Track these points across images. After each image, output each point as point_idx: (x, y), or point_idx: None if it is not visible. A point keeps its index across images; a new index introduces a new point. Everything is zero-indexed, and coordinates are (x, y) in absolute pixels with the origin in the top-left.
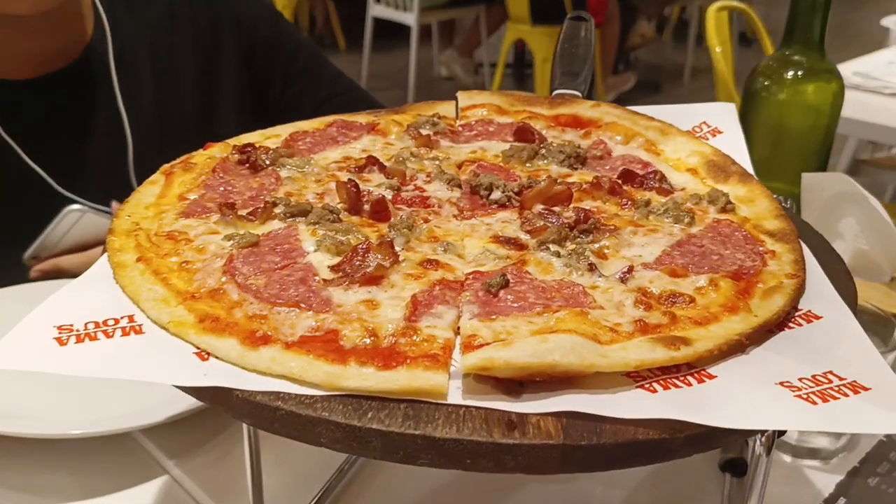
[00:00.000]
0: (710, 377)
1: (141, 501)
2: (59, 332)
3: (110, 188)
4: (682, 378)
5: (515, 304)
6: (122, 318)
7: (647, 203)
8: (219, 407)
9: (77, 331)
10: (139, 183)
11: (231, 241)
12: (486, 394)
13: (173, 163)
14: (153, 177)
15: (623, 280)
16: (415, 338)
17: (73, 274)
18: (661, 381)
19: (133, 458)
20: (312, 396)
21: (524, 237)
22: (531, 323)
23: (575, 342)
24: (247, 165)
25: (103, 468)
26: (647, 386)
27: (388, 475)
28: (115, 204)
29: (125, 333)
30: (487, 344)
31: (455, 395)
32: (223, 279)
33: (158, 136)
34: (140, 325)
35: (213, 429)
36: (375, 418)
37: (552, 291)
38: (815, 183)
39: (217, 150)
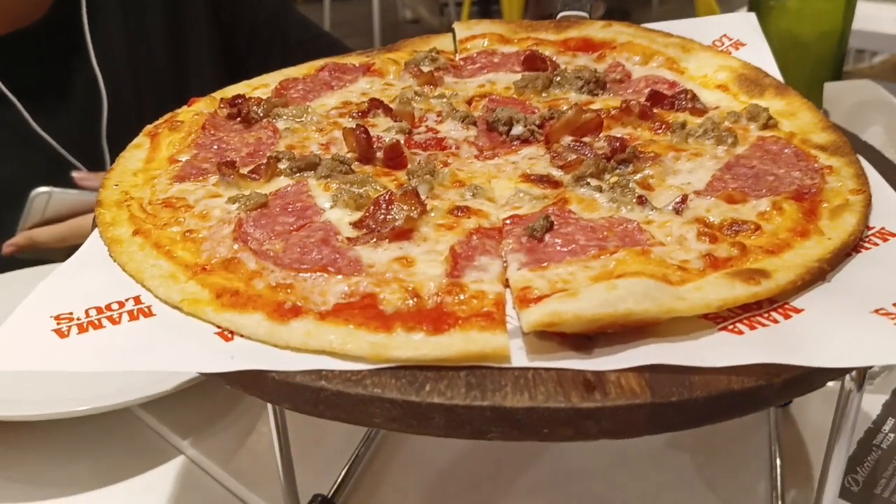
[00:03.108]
0: (797, 311)
1: (157, 487)
2: (58, 323)
3: (84, 150)
4: (766, 315)
5: (566, 249)
6: (127, 300)
7: (683, 125)
8: (254, 393)
9: (78, 319)
10: (110, 145)
11: (236, 204)
12: (553, 352)
13: (157, 122)
14: (137, 140)
15: (678, 211)
16: (462, 295)
17: (49, 246)
18: (745, 321)
19: (143, 440)
20: (359, 371)
21: (557, 173)
22: (588, 268)
23: (647, 286)
24: (238, 119)
25: (112, 454)
26: (730, 328)
27: (415, 438)
28: (75, 174)
29: (133, 317)
30: (545, 296)
31: (519, 357)
32: (235, 247)
33: (134, 95)
34: (149, 307)
35: (227, 400)
36: (435, 391)
37: (603, 230)
38: (839, 92)
39: (203, 106)
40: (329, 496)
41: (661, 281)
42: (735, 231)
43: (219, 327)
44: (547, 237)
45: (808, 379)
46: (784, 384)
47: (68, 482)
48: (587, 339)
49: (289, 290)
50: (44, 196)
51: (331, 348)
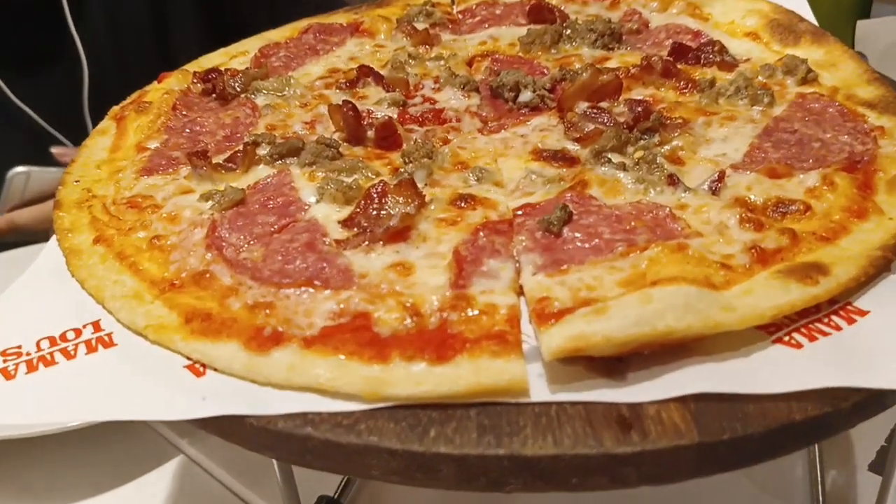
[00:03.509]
0: (861, 313)
1: (158, 489)
2: (4, 361)
3: (65, 122)
4: (826, 321)
5: (587, 245)
6: (85, 326)
7: (712, 83)
8: (232, 440)
9: (28, 354)
10: (93, 116)
11: (210, 202)
12: (578, 379)
13: (124, 103)
14: (102, 124)
15: (714, 191)
16: (469, 310)
17: (31, 229)
18: (803, 329)
19: (141, 441)
20: (352, 413)
21: (573, 148)
22: (615, 269)
23: (688, 296)
24: (213, 96)
25: (110, 458)
26: (786, 339)
27: None
28: (55, 149)
29: (91, 349)
30: (567, 310)
31: (539, 388)
32: (208, 256)
33: (116, 63)
34: (110, 335)
35: None
36: (442, 437)
37: (630, 219)
38: (872, 31)
39: (175, 82)
40: (335, 497)
41: (704, 286)
42: (782, 213)
43: (189, 359)
44: (565, 231)
45: (880, 400)
46: (853, 408)
47: (62, 493)
48: (618, 360)
49: (268, 312)
50: (22, 175)
51: (318, 385)
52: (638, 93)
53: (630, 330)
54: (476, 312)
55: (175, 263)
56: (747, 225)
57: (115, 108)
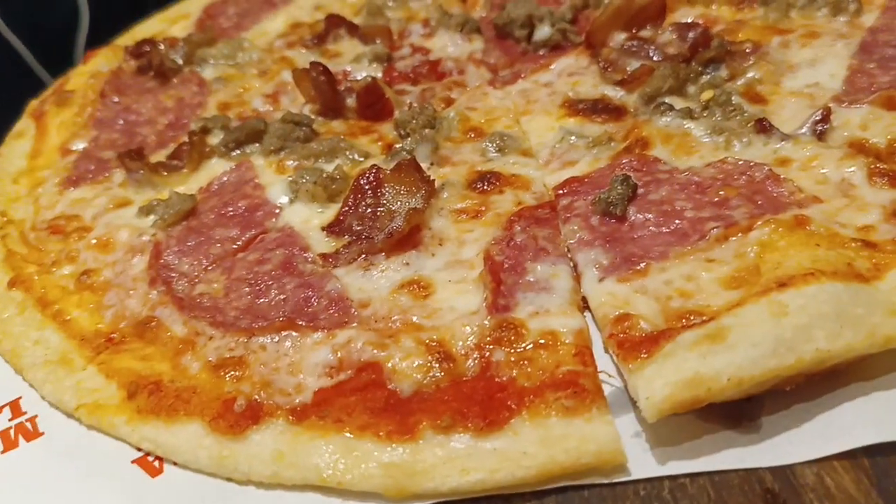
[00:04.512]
0: None
1: None
2: None
3: (57, 62)
4: None
5: (666, 230)
6: (0, 408)
7: None
8: None
9: None
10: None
11: (151, 216)
12: (691, 432)
13: (42, 96)
14: (18, 125)
15: (820, 135)
16: (521, 344)
17: None
18: None
19: None
20: None
21: (615, 94)
22: (713, 262)
23: (836, 299)
24: (151, 73)
25: None
26: None
27: None
28: None
29: (10, 444)
30: (662, 334)
31: (639, 456)
32: (152, 294)
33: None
34: (33, 419)
35: None
36: None
37: (717, 187)
38: None
39: (103, 61)
40: None
41: (851, 280)
42: None
43: (138, 449)
44: (631, 211)
45: None
46: None
47: None
48: (745, 401)
49: (238, 373)
50: None
51: (320, 480)
52: (684, 14)
53: (767, 363)
54: (529, 346)
55: (110, 308)
56: (878, 180)
57: (34, 102)
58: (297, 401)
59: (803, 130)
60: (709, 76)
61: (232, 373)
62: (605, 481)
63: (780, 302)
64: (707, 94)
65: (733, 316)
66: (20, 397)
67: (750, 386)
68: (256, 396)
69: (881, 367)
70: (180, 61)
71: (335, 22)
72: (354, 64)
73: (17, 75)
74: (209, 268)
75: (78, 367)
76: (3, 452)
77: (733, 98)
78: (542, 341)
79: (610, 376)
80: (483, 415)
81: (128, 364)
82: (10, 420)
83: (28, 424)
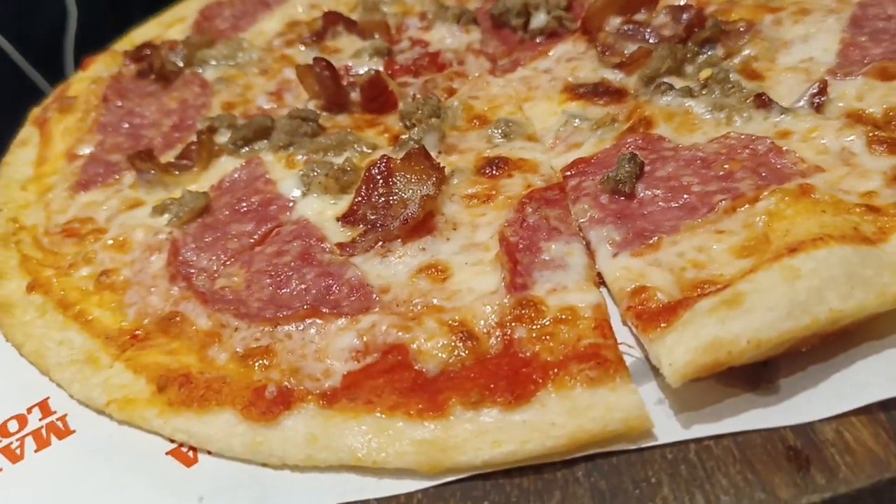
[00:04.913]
0: None
1: None
2: None
3: (47, 64)
4: None
5: (675, 204)
6: (31, 409)
7: None
8: None
9: None
10: (78, 62)
11: (166, 215)
12: (712, 397)
13: (45, 102)
14: (23, 133)
15: (818, 107)
16: (541, 320)
17: None
18: None
19: None
20: (410, 496)
21: (615, 77)
22: (723, 233)
23: (845, 261)
24: (152, 77)
25: None
26: None
27: None
28: None
29: (43, 443)
30: (679, 303)
31: (664, 421)
32: (174, 290)
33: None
34: (64, 418)
35: None
36: None
37: (721, 161)
38: None
39: (102, 67)
40: None
41: (858, 243)
42: None
43: (171, 441)
44: (639, 188)
45: None
46: None
47: None
48: (762, 364)
49: (267, 361)
50: None
51: (355, 460)
52: None
53: (783, 325)
54: (549, 322)
55: (133, 306)
56: (878, 147)
57: (36, 110)
58: (327, 385)
59: (801, 104)
60: (705, 55)
61: (260, 361)
62: (633, 447)
63: (793, 266)
64: (706, 73)
65: (748, 282)
66: (48, 397)
67: (768, 348)
68: (286, 383)
69: (892, 326)
70: (181, 64)
71: (333, 19)
72: (355, 59)
73: (9, 77)
74: (228, 262)
75: (105, 365)
76: (36, 451)
77: (731, 75)
78: (561, 316)
79: (630, 347)
80: (510, 389)
81: (155, 359)
82: (40, 420)
83: (59, 423)
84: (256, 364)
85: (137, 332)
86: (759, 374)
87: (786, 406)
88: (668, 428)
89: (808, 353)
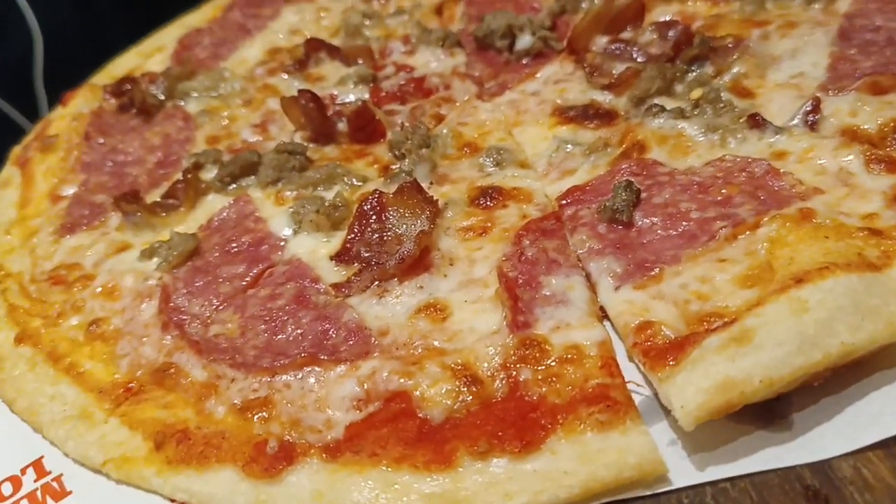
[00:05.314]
0: None
1: None
2: None
3: (16, 94)
4: None
5: (674, 232)
6: (24, 470)
7: None
8: None
9: None
10: (49, 89)
11: (155, 259)
12: (725, 436)
13: (26, 141)
14: (4, 174)
15: (812, 125)
16: (546, 361)
17: None
18: None
19: None
20: None
21: (604, 98)
22: (726, 262)
23: (852, 290)
24: (133, 111)
25: None
26: None
27: None
28: None
29: None
30: (686, 339)
31: (678, 464)
32: (167, 340)
33: (76, 32)
34: (59, 478)
35: None
36: None
37: (718, 186)
38: None
39: (82, 102)
40: None
41: (864, 270)
42: None
43: (171, 501)
44: (637, 216)
45: None
46: None
47: None
48: (774, 399)
49: (266, 414)
50: None
51: None
52: (662, 12)
53: (795, 361)
54: (555, 362)
55: (125, 357)
56: (876, 167)
57: (17, 149)
58: (329, 437)
59: (795, 122)
60: (695, 74)
61: (259, 414)
62: (649, 493)
63: (800, 298)
64: (696, 93)
65: (755, 316)
66: (42, 456)
67: (780, 386)
68: (287, 436)
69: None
70: (162, 96)
71: (315, 46)
72: (340, 87)
73: None
74: (220, 307)
75: (99, 421)
76: None
77: (722, 94)
78: (567, 356)
79: (638, 385)
80: (519, 436)
81: (151, 413)
82: (35, 481)
83: (55, 484)
84: (256, 417)
85: (131, 384)
86: (772, 409)
87: (801, 442)
88: (683, 470)
89: (820, 387)
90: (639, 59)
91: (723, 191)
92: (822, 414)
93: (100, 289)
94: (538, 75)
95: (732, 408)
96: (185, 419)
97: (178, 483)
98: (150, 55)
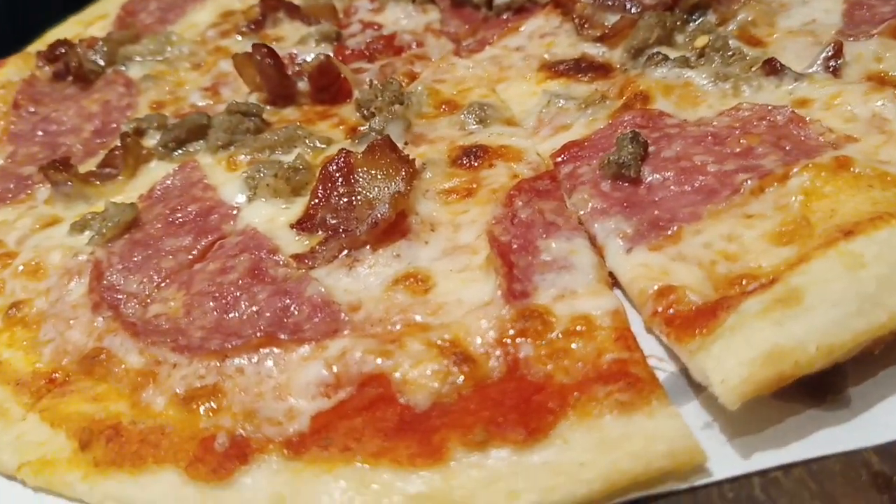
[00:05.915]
0: None
1: None
2: None
3: None
4: None
5: (689, 187)
6: None
7: None
8: None
9: None
10: None
11: (87, 232)
12: (770, 417)
13: None
14: None
15: (834, 71)
16: (551, 333)
17: None
18: None
19: None
20: None
21: (596, 51)
22: (754, 217)
23: None
24: (69, 79)
25: None
26: None
27: None
28: None
29: None
30: (718, 304)
31: (718, 450)
32: (98, 321)
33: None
34: None
35: None
36: None
37: (738, 136)
38: None
39: (13, 70)
40: None
41: None
42: None
43: None
44: (646, 171)
45: None
46: None
47: None
48: (826, 371)
49: (215, 404)
50: None
51: None
52: None
53: (856, 324)
54: (561, 335)
55: (49, 344)
56: None
57: None
58: (291, 430)
59: (815, 68)
60: (697, 23)
61: (206, 405)
62: (684, 486)
63: (852, 252)
64: (701, 41)
65: (802, 274)
66: None
67: (841, 353)
68: (241, 430)
69: None
70: (102, 62)
71: (272, 5)
72: (300, 46)
73: None
74: (162, 284)
75: (16, 418)
76: None
77: (731, 42)
78: (575, 328)
79: (660, 360)
80: (522, 422)
81: (77, 407)
82: None
83: None
84: (202, 408)
85: (55, 374)
86: (824, 383)
87: (861, 422)
88: (724, 459)
89: (876, 357)
90: (633, 10)
91: (742, 141)
92: (882, 387)
93: (22, 267)
94: (521, 29)
95: (784, 381)
96: (118, 413)
97: (108, 489)
98: (91, 22)
